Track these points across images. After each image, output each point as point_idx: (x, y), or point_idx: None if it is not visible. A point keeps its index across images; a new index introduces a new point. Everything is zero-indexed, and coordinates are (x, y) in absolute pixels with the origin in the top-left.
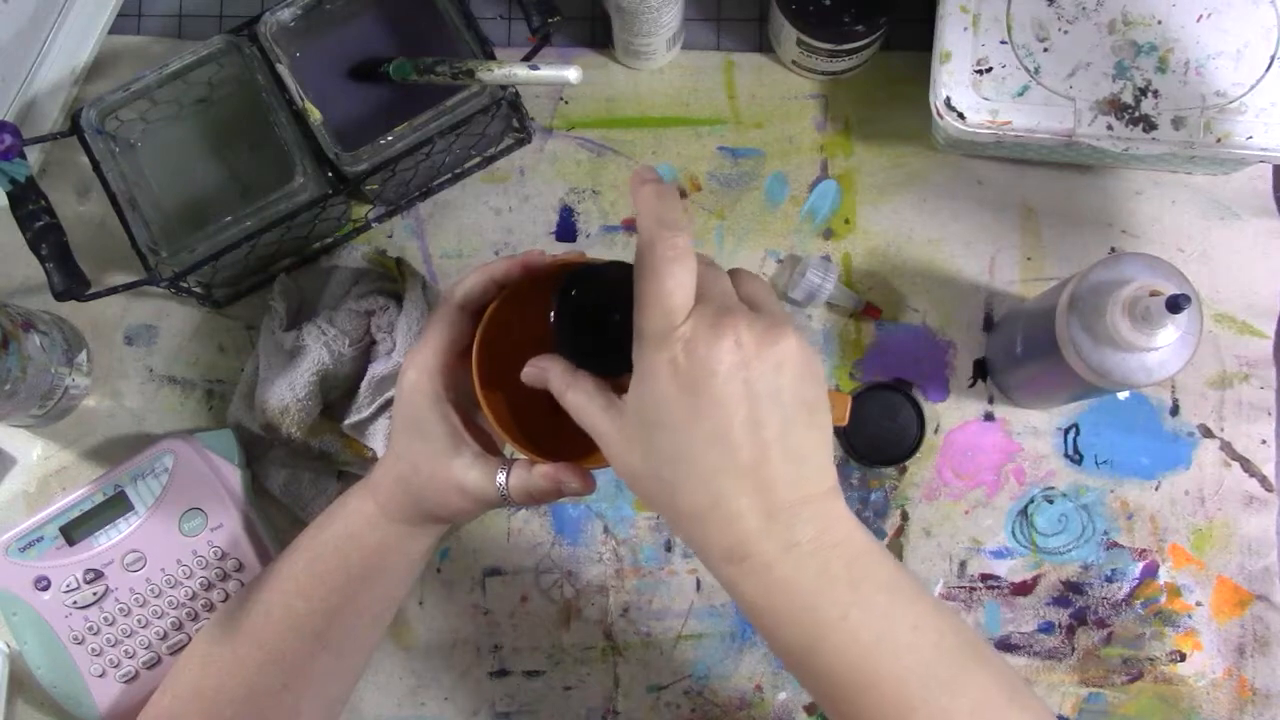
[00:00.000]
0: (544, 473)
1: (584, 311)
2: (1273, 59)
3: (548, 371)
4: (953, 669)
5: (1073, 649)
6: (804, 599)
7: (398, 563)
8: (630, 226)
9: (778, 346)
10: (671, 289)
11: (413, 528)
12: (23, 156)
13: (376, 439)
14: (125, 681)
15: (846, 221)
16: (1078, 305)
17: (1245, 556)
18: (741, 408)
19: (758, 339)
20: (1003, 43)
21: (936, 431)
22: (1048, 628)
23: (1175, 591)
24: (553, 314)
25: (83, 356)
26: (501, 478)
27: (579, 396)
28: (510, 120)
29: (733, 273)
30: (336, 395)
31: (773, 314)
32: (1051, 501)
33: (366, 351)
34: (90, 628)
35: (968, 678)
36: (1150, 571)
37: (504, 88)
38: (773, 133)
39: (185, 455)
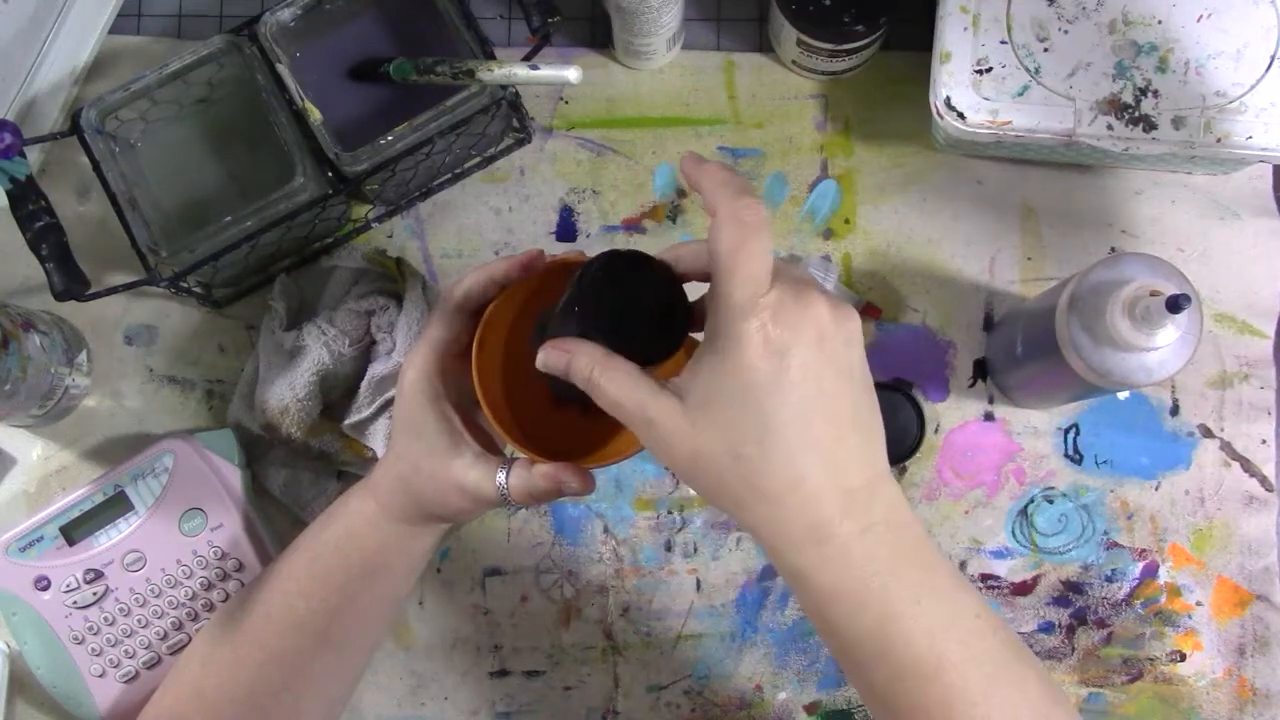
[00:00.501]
0: (544, 472)
1: (616, 297)
2: (1273, 59)
3: (574, 356)
4: (1011, 661)
5: (1073, 649)
6: (881, 581)
7: (399, 562)
8: (631, 226)
9: (851, 322)
10: (759, 255)
11: (413, 527)
12: (23, 156)
13: (376, 439)
14: (125, 681)
15: (846, 221)
16: (1078, 305)
17: (1245, 556)
18: (824, 381)
19: (833, 312)
20: (1003, 43)
21: (936, 431)
22: (1048, 628)
23: (1175, 591)
24: (577, 300)
25: (83, 356)
26: (501, 477)
27: (617, 382)
28: (510, 120)
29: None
30: (336, 395)
31: (831, 294)
32: (1051, 501)
33: (366, 351)
34: (90, 628)
35: (1023, 671)
36: (1150, 571)
37: (504, 88)
38: (773, 133)
39: (185, 455)
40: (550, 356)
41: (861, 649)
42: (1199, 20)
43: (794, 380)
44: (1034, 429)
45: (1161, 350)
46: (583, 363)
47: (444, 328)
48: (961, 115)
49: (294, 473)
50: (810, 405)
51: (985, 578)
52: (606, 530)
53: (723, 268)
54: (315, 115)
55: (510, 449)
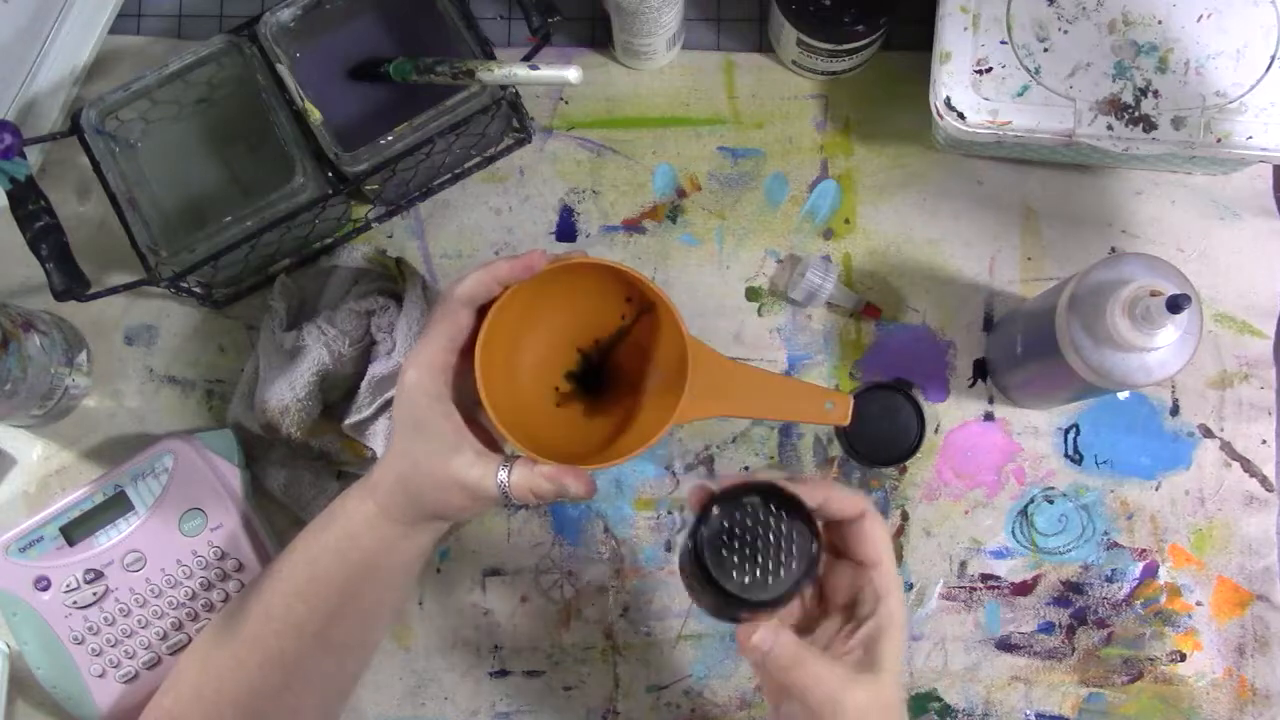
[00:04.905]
0: (546, 473)
1: (756, 550)
2: (1273, 59)
3: (776, 647)
4: None
5: (1073, 649)
6: None
7: (397, 563)
8: (631, 226)
9: None
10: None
11: (412, 527)
12: (23, 156)
13: (376, 439)
14: (125, 682)
15: (846, 221)
16: (1078, 305)
17: (1245, 556)
18: None
19: None
20: (1003, 43)
21: (936, 431)
22: (1048, 628)
23: (1175, 591)
24: (701, 553)
25: (83, 356)
26: (503, 475)
27: (810, 676)
28: (510, 120)
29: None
30: (336, 395)
31: None
32: (1051, 501)
33: (366, 351)
34: (90, 628)
35: None
36: (1150, 571)
37: (504, 88)
38: (773, 133)
39: (185, 455)
40: (760, 642)
41: None
42: (1199, 20)
43: None
44: (1034, 429)
45: (1161, 350)
46: (779, 655)
47: (445, 326)
48: (961, 115)
49: (294, 473)
50: None
51: (985, 578)
52: (606, 530)
53: (889, 575)
54: (315, 115)
55: (511, 448)
